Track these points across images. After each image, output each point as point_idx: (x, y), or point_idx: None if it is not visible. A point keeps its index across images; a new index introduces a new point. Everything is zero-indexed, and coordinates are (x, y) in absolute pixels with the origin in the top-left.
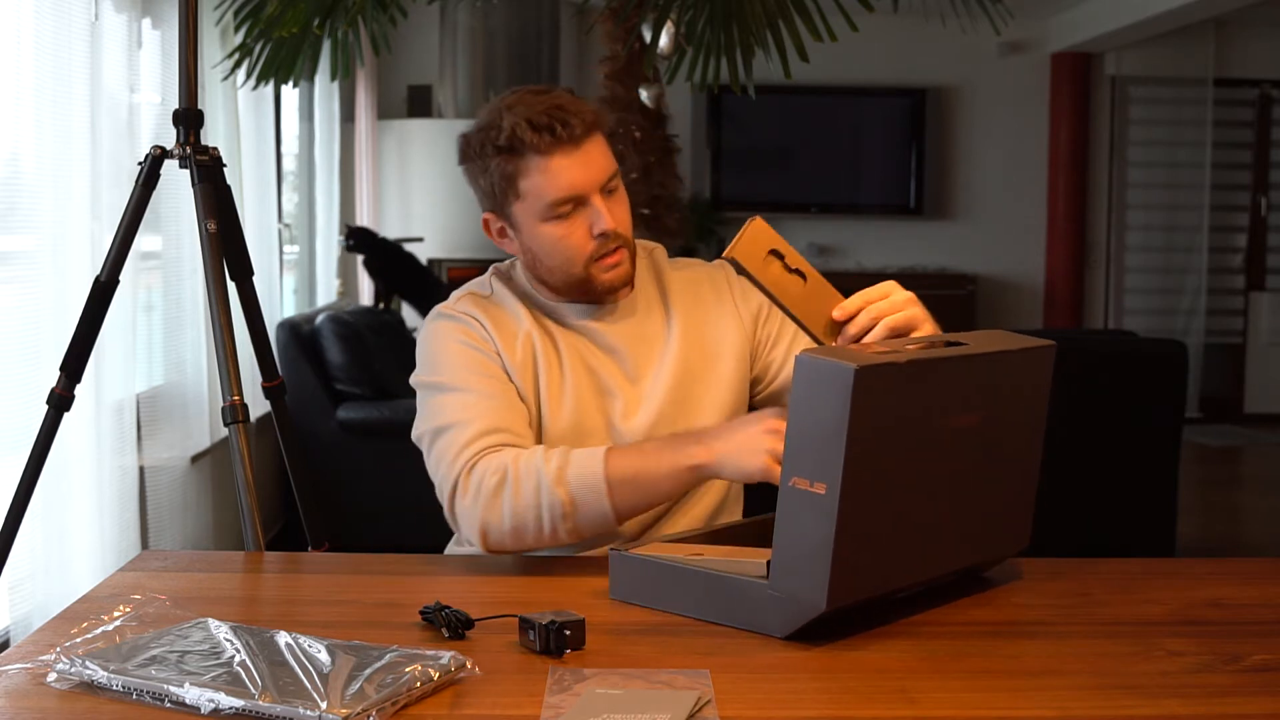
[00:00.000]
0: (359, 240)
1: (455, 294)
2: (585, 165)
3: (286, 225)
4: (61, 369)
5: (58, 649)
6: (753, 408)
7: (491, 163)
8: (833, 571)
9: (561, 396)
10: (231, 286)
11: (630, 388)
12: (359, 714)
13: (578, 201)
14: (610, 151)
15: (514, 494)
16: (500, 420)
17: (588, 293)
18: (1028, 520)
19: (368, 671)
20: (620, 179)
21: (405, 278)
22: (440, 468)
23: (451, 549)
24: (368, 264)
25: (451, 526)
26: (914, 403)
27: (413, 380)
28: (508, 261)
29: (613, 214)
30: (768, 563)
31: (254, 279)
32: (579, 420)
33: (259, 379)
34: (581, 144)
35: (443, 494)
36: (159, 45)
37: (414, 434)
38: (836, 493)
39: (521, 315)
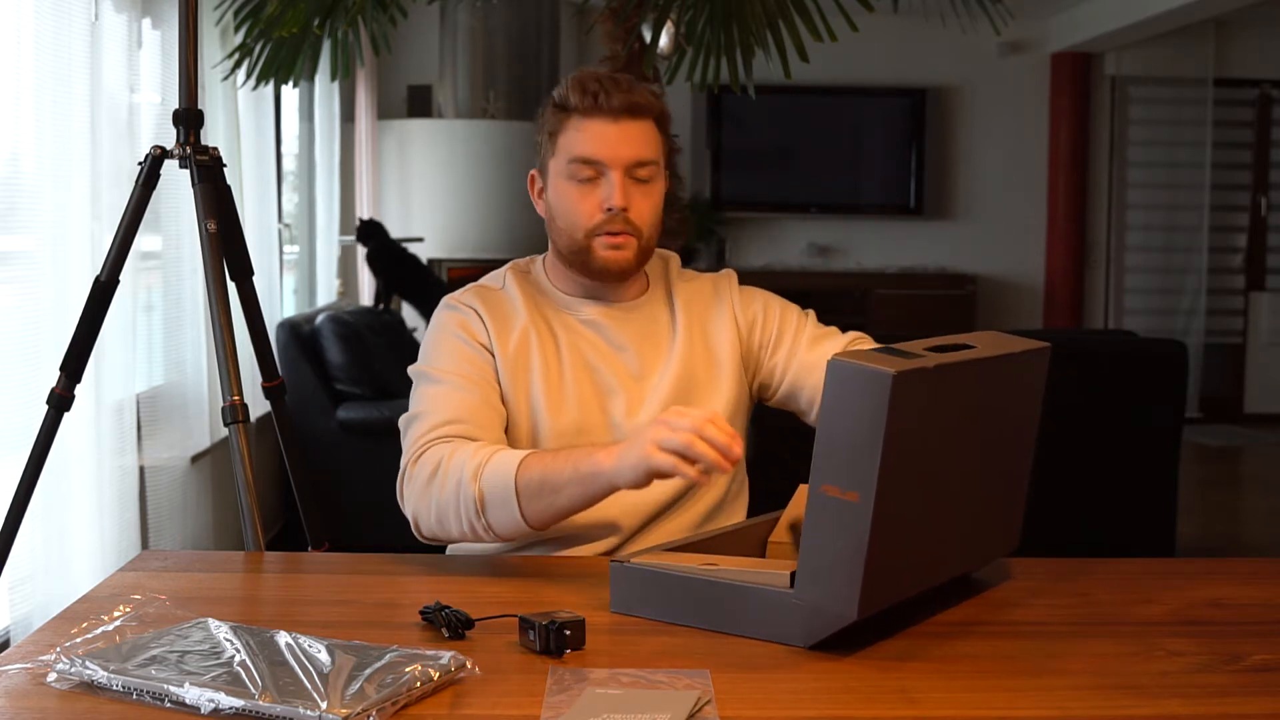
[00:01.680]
0: (368, 232)
1: (467, 285)
2: (616, 139)
3: (286, 225)
4: (61, 369)
5: (58, 649)
6: (786, 408)
7: (546, 117)
8: (864, 580)
9: (561, 395)
10: (231, 286)
11: (634, 385)
12: (359, 714)
13: (598, 170)
14: (657, 145)
15: (440, 486)
16: (463, 413)
17: (586, 267)
18: (1019, 521)
19: (368, 671)
20: (660, 175)
21: (407, 278)
22: (403, 455)
23: (452, 549)
24: (370, 258)
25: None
26: (937, 407)
27: (410, 368)
28: (528, 259)
29: (631, 200)
30: (792, 573)
31: (254, 279)
32: (580, 418)
33: (259, 379)
34: (620, 118)
35: (398, 478)
36: (159, 45)
37: (400, 421)
38: (871, 501)
39: (522, 310)
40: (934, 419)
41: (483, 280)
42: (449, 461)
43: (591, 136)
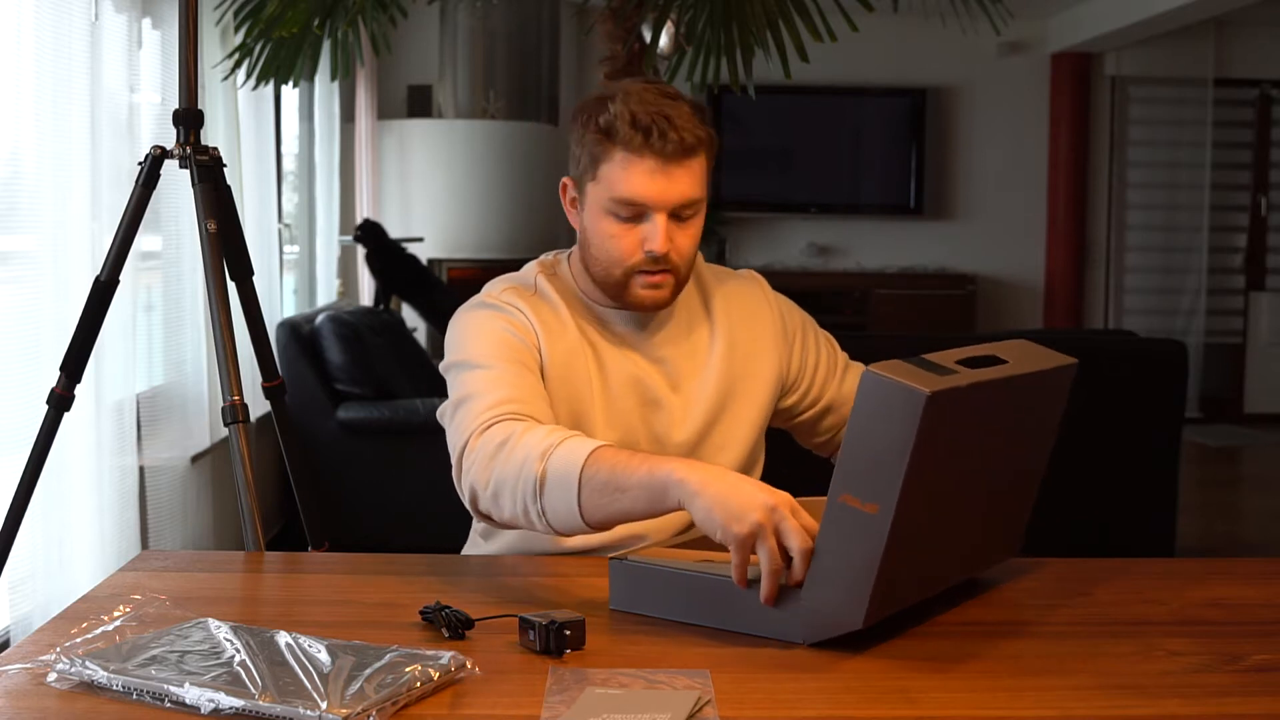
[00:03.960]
0: (367, 234)
1: (495, 284)
2: (665, 183)
3: (286, 225)
4: (61, 369)
5: (58, 649)
6: (792, 430)
7: (588, 135)
8: (874, 590)
9: (608, 409)
10: (231, 286)
11: (673, 395)
12: (359, 714)
13: (640, 211)
14: (702, 180)
15: (505, 460)
16: (523, 393)
17: (620, 298)
18: (1023, 525)
19: (368, 671)
20: (703, 207)
21: (406, 279)
22: (456, 435)
23: (467, 550)
24: (369, 259)
25: (458, 492)
26: (965, 423)
27: (441, 365)
28: (553, 256)
29: (673, 239)
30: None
31: (254, 279)
32: (624, 433)
33: (259, 379)
34: (671, 161)
35: (454, 456)
36: (159, 45)
37: (438, 413)
38: (890, 514)
39: (567, 319)
40: (961, 435)
41: (511, 280)
42: (521, 438)
43: (638, 178)
